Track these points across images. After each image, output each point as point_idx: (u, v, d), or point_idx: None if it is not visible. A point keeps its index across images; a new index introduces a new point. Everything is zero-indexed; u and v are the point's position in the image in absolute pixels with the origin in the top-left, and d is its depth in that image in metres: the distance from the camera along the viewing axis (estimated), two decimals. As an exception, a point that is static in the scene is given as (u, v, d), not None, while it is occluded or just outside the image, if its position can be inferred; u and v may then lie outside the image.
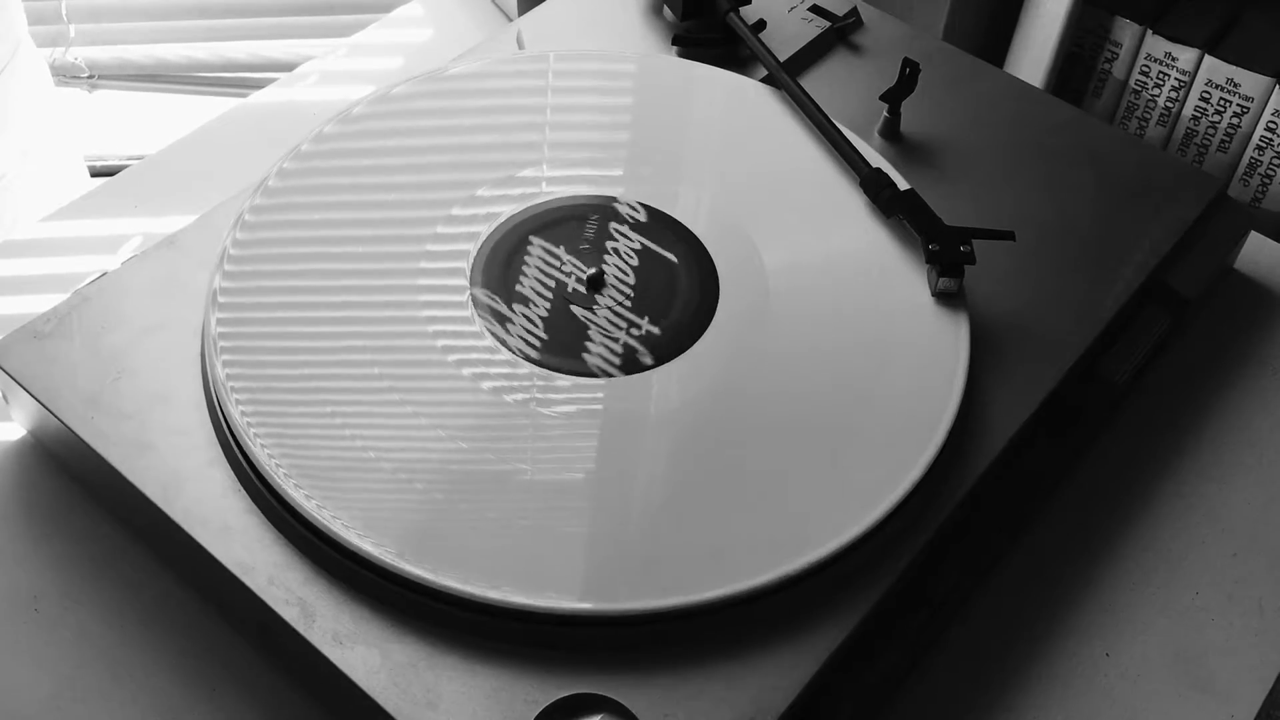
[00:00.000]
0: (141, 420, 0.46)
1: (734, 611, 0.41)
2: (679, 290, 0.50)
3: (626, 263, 0.50)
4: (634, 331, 0.48)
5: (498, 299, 0.49)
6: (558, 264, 0.50)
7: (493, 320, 0.48)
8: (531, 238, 0.51)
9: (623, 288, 0.50)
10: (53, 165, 0.92)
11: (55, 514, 0.48)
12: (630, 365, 0.47)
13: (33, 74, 0.89)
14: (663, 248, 0.51)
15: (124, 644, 0.45)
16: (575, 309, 0.49)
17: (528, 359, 0.47)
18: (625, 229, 0.51)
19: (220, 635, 0.45)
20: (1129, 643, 0.46)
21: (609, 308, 0.49)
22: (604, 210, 0.52)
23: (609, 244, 0.51)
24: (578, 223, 0.52)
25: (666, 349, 0.48)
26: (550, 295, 0.49)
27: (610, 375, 0.47)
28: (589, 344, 0.48)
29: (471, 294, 0.49)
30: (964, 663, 0.46)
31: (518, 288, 0.49)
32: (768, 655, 0.41)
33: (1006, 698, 0.45)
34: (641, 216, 0.52)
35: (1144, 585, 0.48)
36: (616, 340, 0.48)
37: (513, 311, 0.48)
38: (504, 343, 0.47)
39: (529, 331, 0.48)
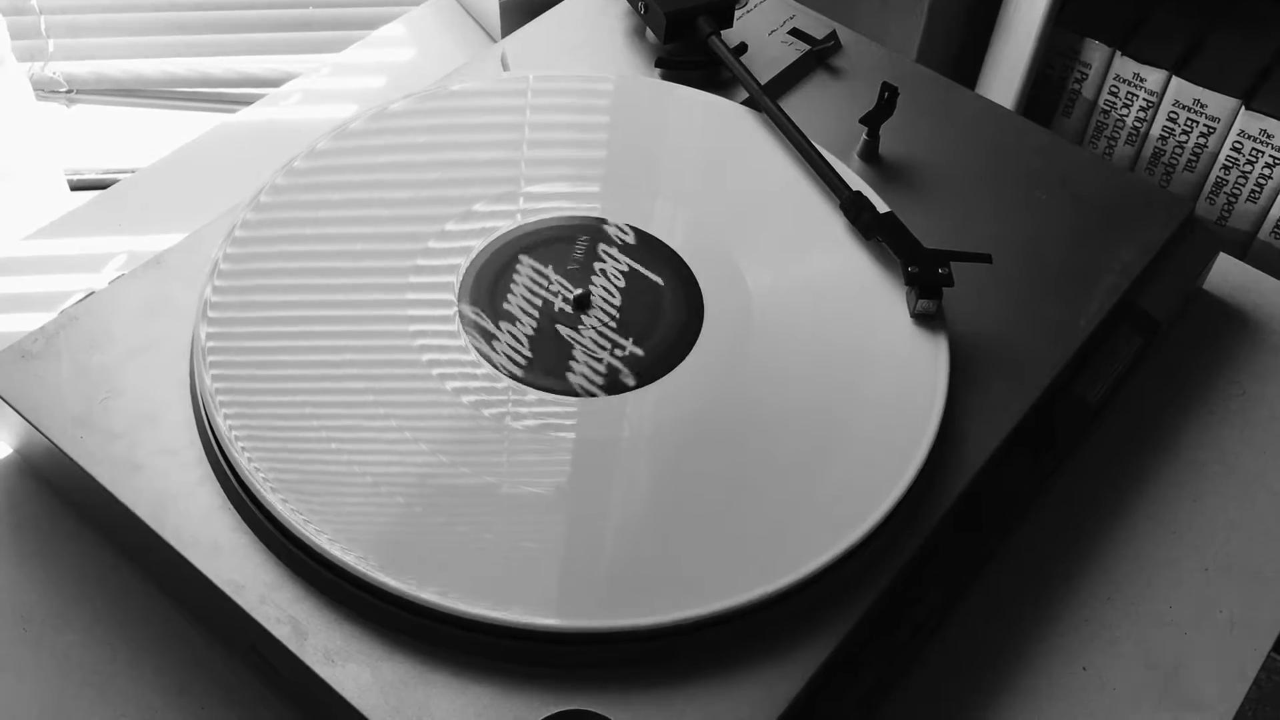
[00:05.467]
0: (131, 440, 0.46)
1: (720, 629, 0.42)
2: (663, 313, 0.50)
3: (614, 284, 0.51)
4: (618, 352, 0.49)
5: (484, 315, 0.49)
6: (545, 283, 0.51)
7: (479, 337, 0.49)
8: (521, 256, 0.52)
9: (609, 309, 0.50)
10: (33, 181, 0.92)
11: (42, 533, 0.48)
12: (613, 386, 0.48)
13: (15, 92, 0.89)
14: (650, 270, 0.52)
15: (112, 663, 0.45)
16: (561, 328, 0.50)
17: (512, 376, 0.48)
18: (614, 251, 0.52)
19: (210, 654, 0.45)
20: (1105, 656, 0.47)
21: (594, 328, 0.50)
22: (593, 231, 0.53)
23: (597, 265, 0.52)
24: (567, 243, 0.52)
25: (649, 370, 0.49)
26: (537, 314, 0.50)
27: (592, 395, 0.48)
28: (573, 363, 0.48)
29: (459, 310, 0.49)
30: (945, 678, 0.46)
31: (505, 305, 0.50)
32: (754, 672, 0.41)
33: (988, 711, 0.46)
34: (630, 239, 0.53)
35: (1118, 599, 0.49)
36: (600, 360, 0.49)
37: (499, 329, 0.49)
38: (489, 359, 0.48)
39: (514, 349, 0.48)
